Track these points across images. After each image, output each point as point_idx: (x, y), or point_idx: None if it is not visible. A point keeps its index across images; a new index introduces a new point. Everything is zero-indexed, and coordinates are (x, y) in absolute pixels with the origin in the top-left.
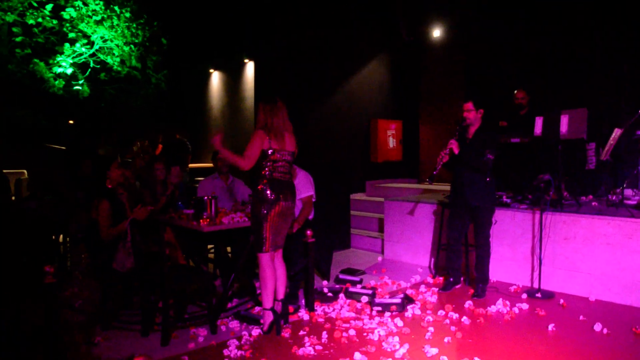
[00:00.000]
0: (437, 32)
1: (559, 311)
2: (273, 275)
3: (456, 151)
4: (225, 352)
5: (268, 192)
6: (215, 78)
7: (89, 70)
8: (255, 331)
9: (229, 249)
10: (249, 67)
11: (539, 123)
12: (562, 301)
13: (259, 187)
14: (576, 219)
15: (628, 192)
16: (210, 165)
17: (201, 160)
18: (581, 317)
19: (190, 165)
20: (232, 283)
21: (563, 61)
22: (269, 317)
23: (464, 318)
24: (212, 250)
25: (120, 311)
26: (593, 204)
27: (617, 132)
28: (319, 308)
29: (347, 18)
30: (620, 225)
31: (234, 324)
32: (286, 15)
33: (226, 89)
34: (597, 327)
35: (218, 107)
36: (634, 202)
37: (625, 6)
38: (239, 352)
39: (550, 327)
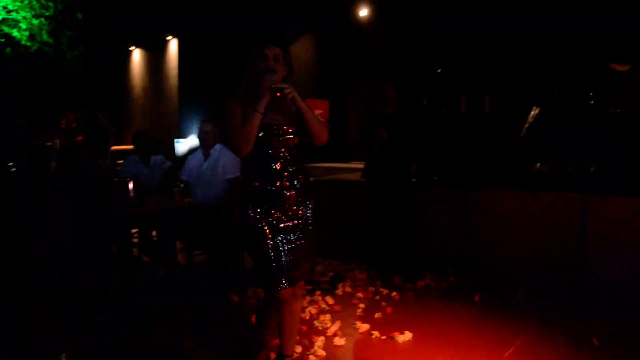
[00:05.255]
0: (363, 12)
1: (483, 282)
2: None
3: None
4: None
5: None
6: (137, 56)
7: None
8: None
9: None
10: (172, 45)
11: (463, 100)
12: (487, 273)
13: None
14: (500, 194)
15: (544, 168)
16: (131, 147)
17: (124, 143)
18: (504, 287)
19: (113, 147)
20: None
21: (486, 43)
22: None
23: (394, 293)
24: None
25: None
26: (514, 179)
27: (535, 111)
28: (249, 289)
29: None
30: (540, 198)
31: None
32: None
33: (149, 67)
34: (519, 295)
35: (140, 86)
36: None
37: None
38: None
39: (476, 297)
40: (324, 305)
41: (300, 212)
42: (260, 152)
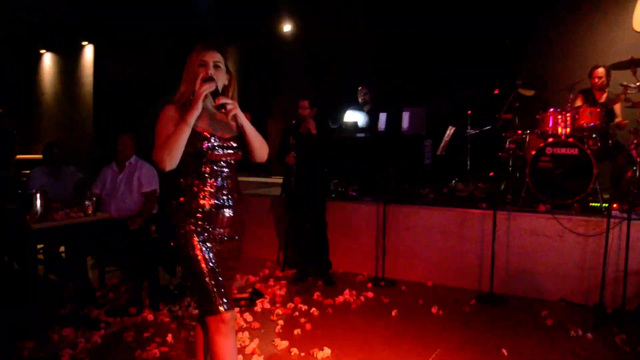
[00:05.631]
0: (287, 27)
1: (401, 297)
2: None
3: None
4: None
5: None
6: (48, 60)
7: None
8: (95, 337)
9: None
10: (88, 50)
11: (382, 119)
12: (403, 288)
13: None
14: (416, 210)
15: (459, 185)
16: (40, 156)
17: (31, 152)
18: (420, 302)
19: (18, 156)
20: (64, 285)
21: (404, 61)
22: None
23: (313, 309)
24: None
25: None
26: (430, 196)
27: (450, 130)
28: (165, 307)
29: None
30: (453, 215)
31: (69, 332)
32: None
33: (61, 73)
34: (434, 309)
35: (52, 92)
36: (465, 194)
37: (461, 15)
38: None
39: (393, 312)
40: (242, 323)
41: (233, 232)
42: (197, 165)
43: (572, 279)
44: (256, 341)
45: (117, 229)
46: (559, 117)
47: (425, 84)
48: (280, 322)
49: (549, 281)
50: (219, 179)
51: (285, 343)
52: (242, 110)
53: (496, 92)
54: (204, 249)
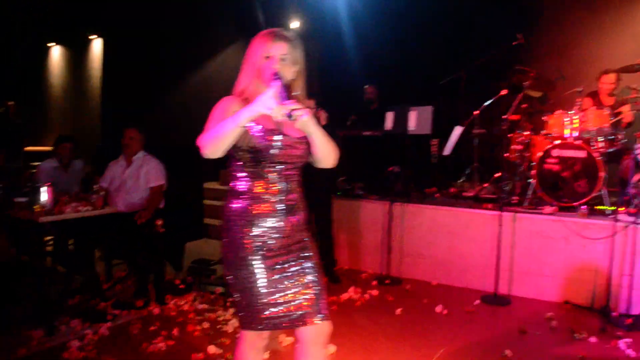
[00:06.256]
0: (295, 23)
1: (405, 295)
2: None
3: None
4: (66, 354)
5: None
6: (56, 53)
7: None
8: (102, 329)
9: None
10: (96, 44)
11: (389, 118)
12: (408, 286)
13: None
14: (421, 210)
15: (466, 184)
16: (49, 148)
17: (41, 143)
18: (425, 301)
19: (27, 148)
20: (72, 277)
21: (409, 62)
22: None
23: None
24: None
25: None
26: (436, 195)
27: (457, 130)
28: (171, 301)
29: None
30: (459, 215)
31: (76, 323)
32: None
33: (69, 66)
34: (438, 308)
35: (60, 85)
36: (471, 194)
37: (463, 17)
38: (82, 354)
39: (398, 310)
40: None
41: (300, 242)
42: (258, 166)
43: (578, 281)
44: None
45: (124, 223)
46: (566, 119)
47: (432, 84)
48: None
49: (554, 283)
50: (283, 182)
51: (289, 339)
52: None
53: (504, 92)
54: (259, 263)
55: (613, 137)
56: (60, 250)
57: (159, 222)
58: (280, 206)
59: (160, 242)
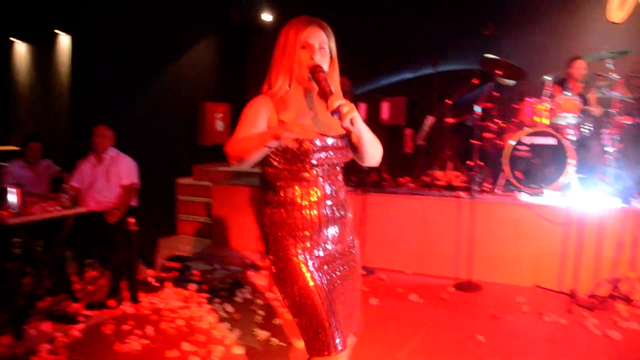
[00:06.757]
0: (267, 16)
1: (380, 285)
2: None
3: None
4: (34, 359)
5: None
6: (21, 49)
7: None
8: (73, 331)
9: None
10: (63, 40)
11: (362, 109)
12: (382, 276)
13: None
14: (395, 199)
15: (438, 173)
16: (16, 148)
17: (7, 143)
18: (399, 289)
19: None
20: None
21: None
22: None
23: None
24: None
25: None
26: (410, 185)
27: (429, 120)
28: (145, 299)
29: None
30: (431, 203)
31: (47, 326)
32: None
33: (35, 63)
34: (413, 297)
35: (26, 82)
36: (444, 183)
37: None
38: (52, 357)
39: (373, 300)
40: (222, 314)
41: (346, 248)
42: (298, 169)
43: (547, 266)
44: (237, 332)
45: (95, 221)
46: (537, 106)
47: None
48: (261, 312)
49: (525, 268)
50: (326, 185)
51: (265, 333)
52: (224, 100)
53: (476, 81)
54: (315, 275)
55: (582, 123)
56: (29, 252)
57: (132, 220)
58: (326, 211)
59: (134, 240)
